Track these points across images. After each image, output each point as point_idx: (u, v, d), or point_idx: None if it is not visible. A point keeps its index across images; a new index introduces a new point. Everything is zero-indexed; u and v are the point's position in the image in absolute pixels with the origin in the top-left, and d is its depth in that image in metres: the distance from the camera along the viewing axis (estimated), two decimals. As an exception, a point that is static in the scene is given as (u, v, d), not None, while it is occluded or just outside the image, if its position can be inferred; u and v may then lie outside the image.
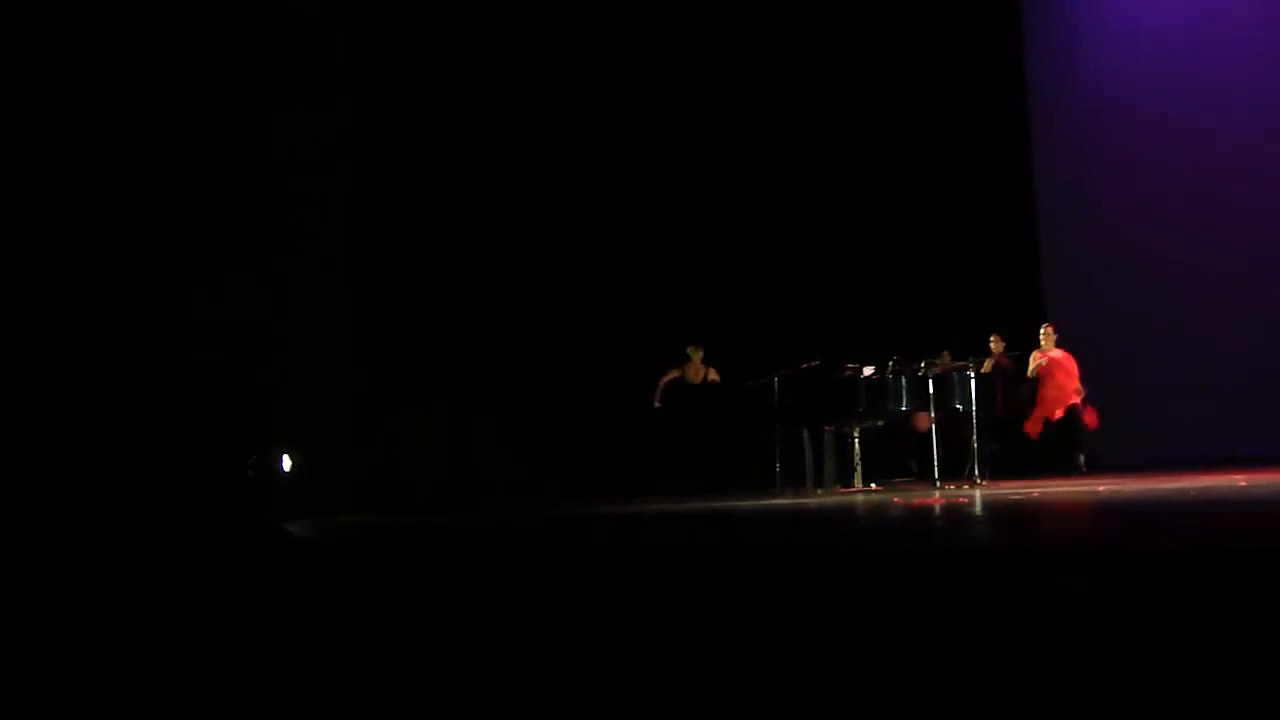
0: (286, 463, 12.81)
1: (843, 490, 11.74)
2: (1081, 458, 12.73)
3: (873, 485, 11.97)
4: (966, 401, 11.41)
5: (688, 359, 13.47)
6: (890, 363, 11.72)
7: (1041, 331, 12.97)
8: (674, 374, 13.50)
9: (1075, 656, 2.90)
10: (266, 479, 12.57)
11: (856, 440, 12.13)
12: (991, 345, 13.09)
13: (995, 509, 7.37)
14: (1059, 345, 12.93)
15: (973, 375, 11.48)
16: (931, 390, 11.43)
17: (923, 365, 11.61)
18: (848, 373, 11.67)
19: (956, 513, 7.24)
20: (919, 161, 14.93)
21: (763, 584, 4.02)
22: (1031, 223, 15.45)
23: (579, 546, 6.08)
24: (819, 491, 11.56)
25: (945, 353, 12.58)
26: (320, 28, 13.43)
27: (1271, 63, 13.68)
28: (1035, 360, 12.89)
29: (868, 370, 11.68)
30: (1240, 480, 8.71)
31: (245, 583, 5.30)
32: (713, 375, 13.46)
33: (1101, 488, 9.21)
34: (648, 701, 2.85)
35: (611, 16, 14.76)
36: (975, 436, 11.35)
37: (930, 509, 7.92)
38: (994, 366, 12.82)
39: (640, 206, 14.81)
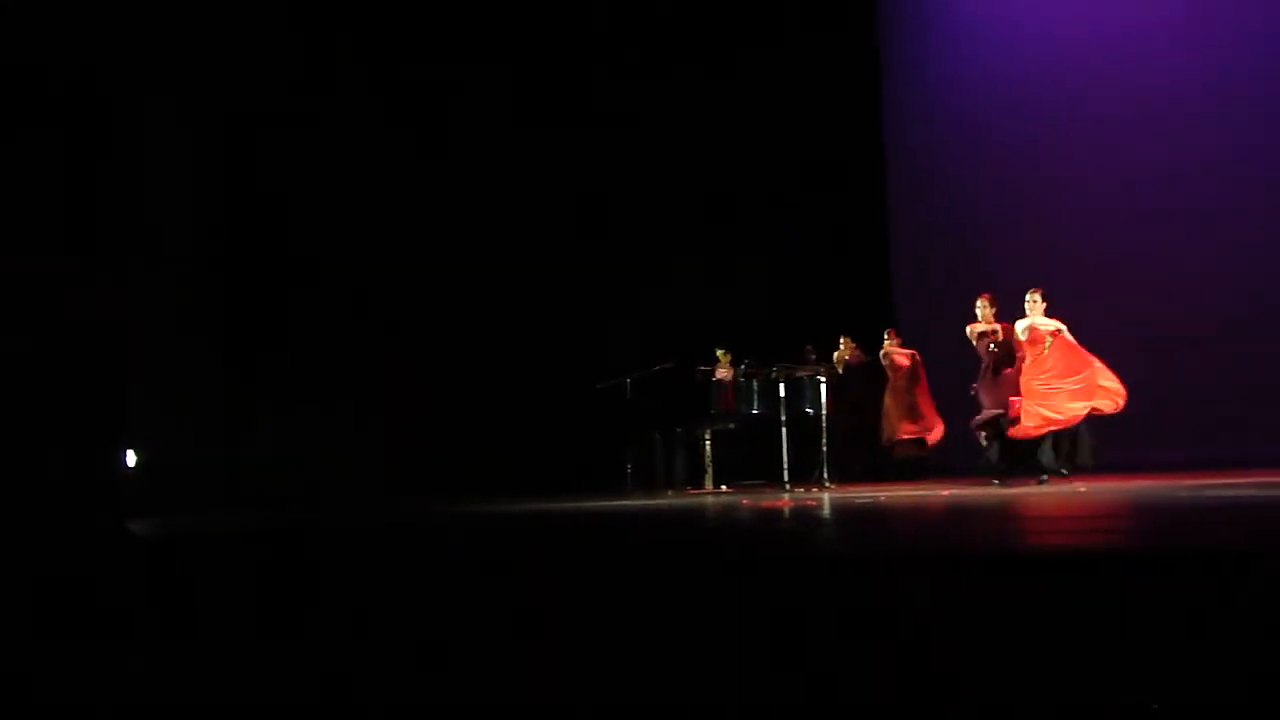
0: (131, 459, 12.53)
1: (693, 492, 11.81)
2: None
3: (723, 487, 12.06)
4: (817, 405, 11.55)
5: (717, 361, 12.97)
6: (742, 365, 11.84)
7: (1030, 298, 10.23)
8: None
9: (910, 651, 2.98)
10: (110, 476, 12.26)
11: (708, 442, 12.22)
12: (842, 345, 13.13)
13: (820, 513, 7.52)
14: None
15: (823, 379, 11.62)
16: (783, 393, 11.55)
17: (775, 368, 11.74)
18: (700, 375, 11.76)
19: (800, 515, 7.37)
20: (762, 169, 15.04)
21: (599, 585, 4.05)
22: (883, 225, 15.67)
23: (418, 547, 6.06)
24: (669, 493, 11.62)
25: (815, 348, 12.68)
26: (177, 16, 13.15)
27: (1132, 54, 14.05)
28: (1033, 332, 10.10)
29: (720, 372, 11.79)
30: (1080, 487, 8.99)
31: (81, 581, 5.19)
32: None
33: (945, 491, 9.44)
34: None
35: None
36: (824, 440, 11.50)
37: (779, 511, 8.05)
38: (846, 367, 12.85)
39: (508, 217, 14.75)
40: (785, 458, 11.45)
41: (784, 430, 11.54)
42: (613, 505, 9.62)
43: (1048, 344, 9.84)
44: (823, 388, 11.56)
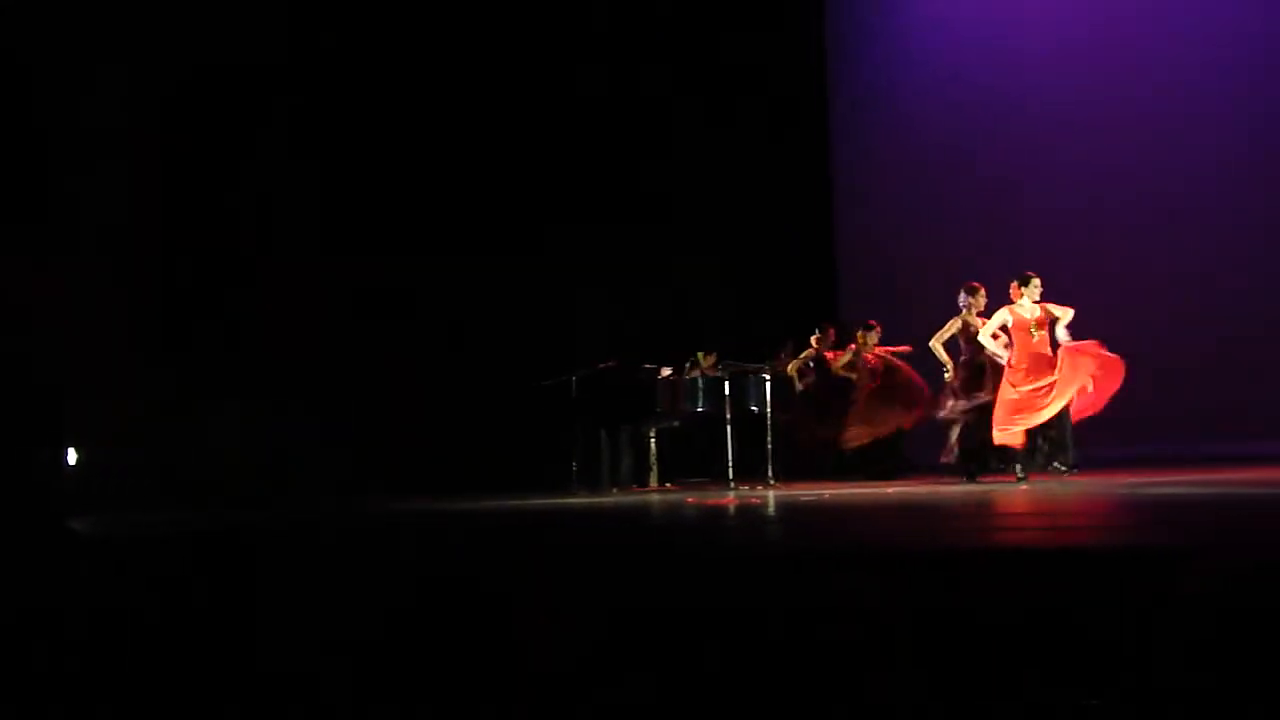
0: (73, 457, 12.43)
1: (638, 490, 11.83)
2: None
3: (668, 485, 12.09)
4: (762, 403, 11.60)
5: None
6: (687, 364, 11.87)
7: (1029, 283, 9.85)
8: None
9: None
10: (52, 474, 12.18)
11: (653, 440, 12.25)
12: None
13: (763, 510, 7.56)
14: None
15: (767, 377, 11.66)
16: (728, 391, 11.59)
17: (720, 366, 11.78)
18: (645, 373, 11.77)
19: (745, 513, 7.41)
20: (708, 169, 15.07)
21: (541, 582, 4.06)
22: (828, 225, 15.74)
23: (357, 546, 6.05)
24: (614, 491, 11.63)
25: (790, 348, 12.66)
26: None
27: (1077, 55, 14.21)
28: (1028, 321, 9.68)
29: (665, 371, 11.81)
30: (1022, 484, 9.07)
31: (20, 579, 5.15)
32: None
33: (890, 490, 9.50)
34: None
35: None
36: (769, 438, 11.55)
37: (724, 509, 8.10)
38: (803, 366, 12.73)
39: (447, 209, 14.69)
40: (730, 455, 11.51)
41: (729, 428, 11.60)
42: (551, 503, 9.62)
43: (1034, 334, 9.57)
44: (767, 386, 11.62)
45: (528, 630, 3.40)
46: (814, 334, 12.63)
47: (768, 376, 11.64)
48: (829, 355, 12.40)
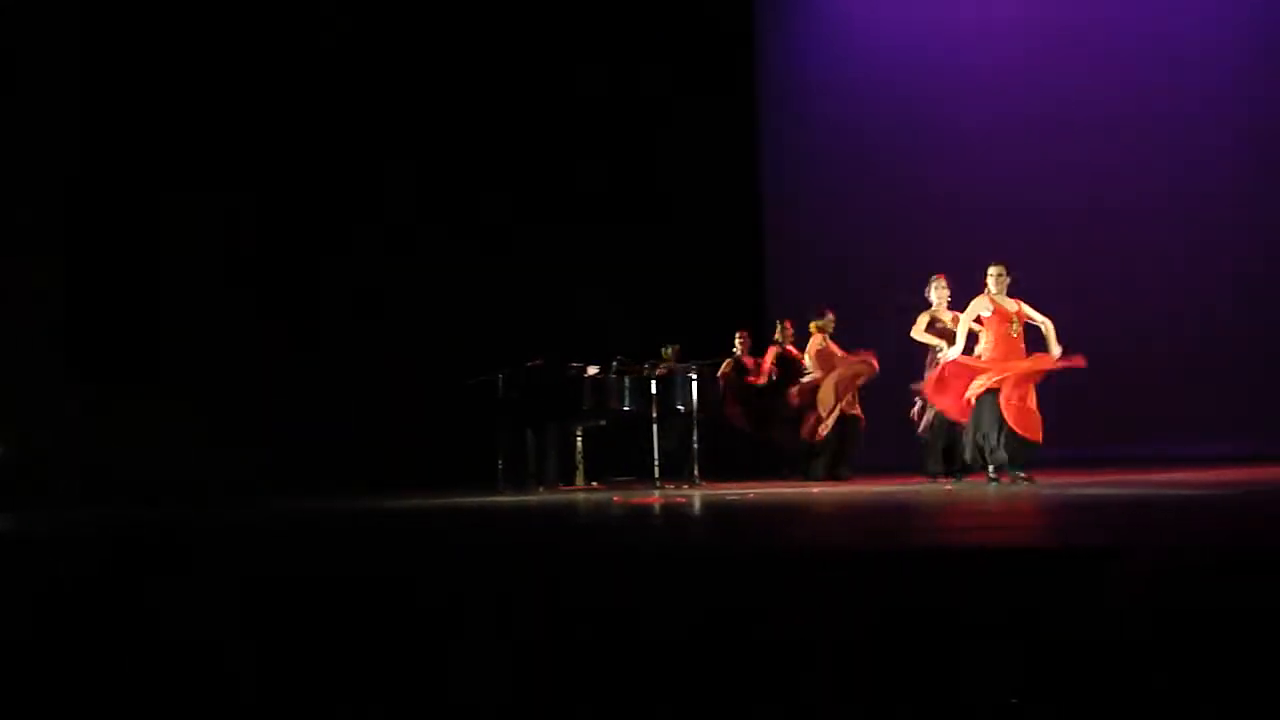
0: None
1: (565, 489, 11.79)
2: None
3: (594, 484, 12.06)
4: (688, 401, 11.60)
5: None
6: (614, 362, 11.84)
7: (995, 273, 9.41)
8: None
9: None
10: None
11: (579, 439, 12.21)
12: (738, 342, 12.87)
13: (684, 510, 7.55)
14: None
15: (694, 377, 11.65)
16: (655, 390, 11.59)
17: (646, 365, 11.77)
18: (572, 371, 11.73)
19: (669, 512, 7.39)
20: (640, 170, 15.05)
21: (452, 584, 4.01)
22: (758, 224, 15.76)
23: (247, 545, 5.98)
24: (540, 490, 11.58)
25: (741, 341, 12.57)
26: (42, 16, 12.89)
27: (1002, 56, 14.32)
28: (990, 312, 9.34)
29: (592, 370, 11.77)
30: (948, 486, 9.12)
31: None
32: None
33: (816, 489, 9.51)
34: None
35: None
36: (695, 437, 11.54)
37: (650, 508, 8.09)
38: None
39: (376, 205, 14.57)
40: (656, 455, 11.49)
41: (655, 427, 11.59)
42: (471, 502, 9.54)
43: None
44: (694, 385, 11.62)
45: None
46: (737, 335, 12.71)
47: (695, 376, 11.64)
48: (793, 351, 12.14)
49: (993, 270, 9.31)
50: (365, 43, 14.68)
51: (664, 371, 11.90)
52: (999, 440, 8.97)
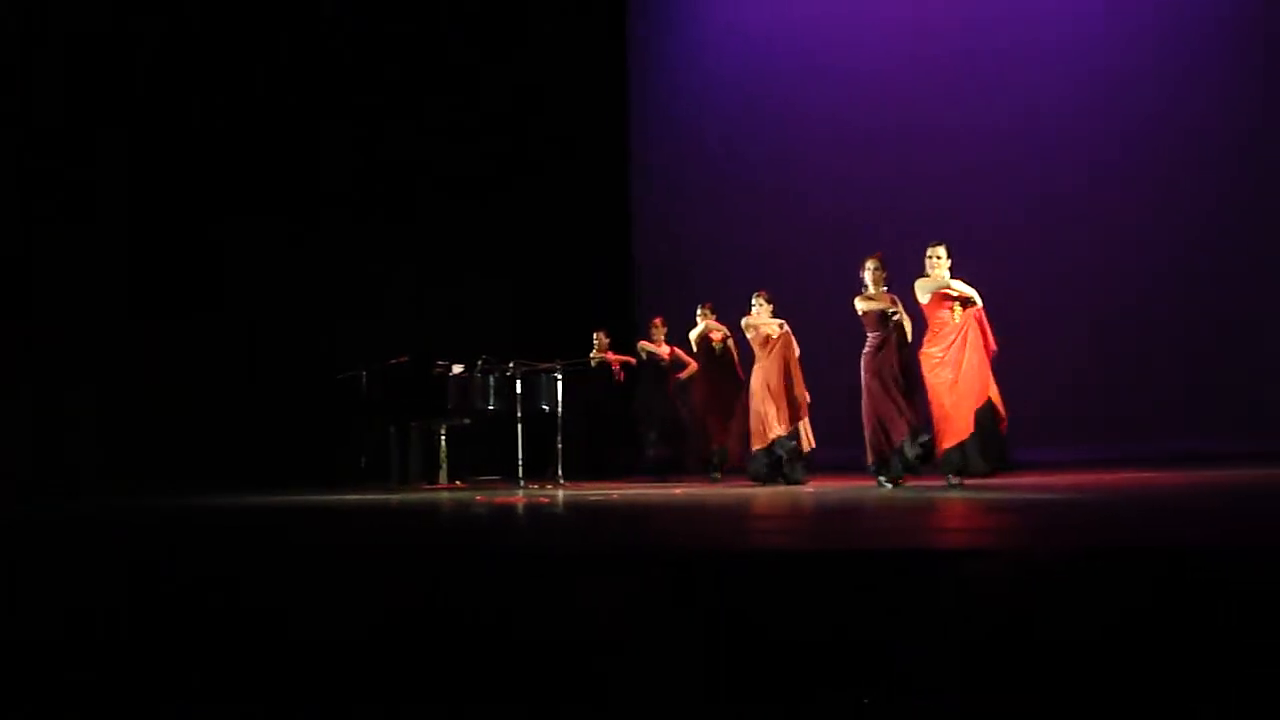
0: None
1: (427, 487, 11.75)
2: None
3: (457, 482, 12.03)
4: (553, 401, 11.65)
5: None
6: (479, 361, 11.83)
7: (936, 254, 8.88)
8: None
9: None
10: None
11: (443, 437, 12.17)
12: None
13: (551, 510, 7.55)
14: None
15: (559, 376, 11.70)
16: (519, 390, 11.62)
17: (511, 365, 11.77)
18: (437, 370, 11.70)
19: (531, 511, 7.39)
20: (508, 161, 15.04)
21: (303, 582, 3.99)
22: (625, 220, 15.82)
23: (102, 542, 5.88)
24: (402, 487, 11.54)
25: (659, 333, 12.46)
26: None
27: (877, 50, 14.50)
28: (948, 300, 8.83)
29: (456, 368, 11.75)
30: (809, 488, 9.19)
31: None
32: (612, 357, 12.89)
33: (679, 490, 9.58)
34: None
35: None
36: (559, 437, 11.60)
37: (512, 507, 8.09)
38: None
39: (249, 194, 14.34)
40: (520, 454, 11.55)
41: (519, 427, 11.62)
42: (327, 500, 9.44)
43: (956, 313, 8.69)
44: (559, 385, 11.68)
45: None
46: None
47: (560, 376, 11.71)
48: (715, 336, 11.58)
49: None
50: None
51: (596, 356, 12.40)
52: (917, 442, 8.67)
